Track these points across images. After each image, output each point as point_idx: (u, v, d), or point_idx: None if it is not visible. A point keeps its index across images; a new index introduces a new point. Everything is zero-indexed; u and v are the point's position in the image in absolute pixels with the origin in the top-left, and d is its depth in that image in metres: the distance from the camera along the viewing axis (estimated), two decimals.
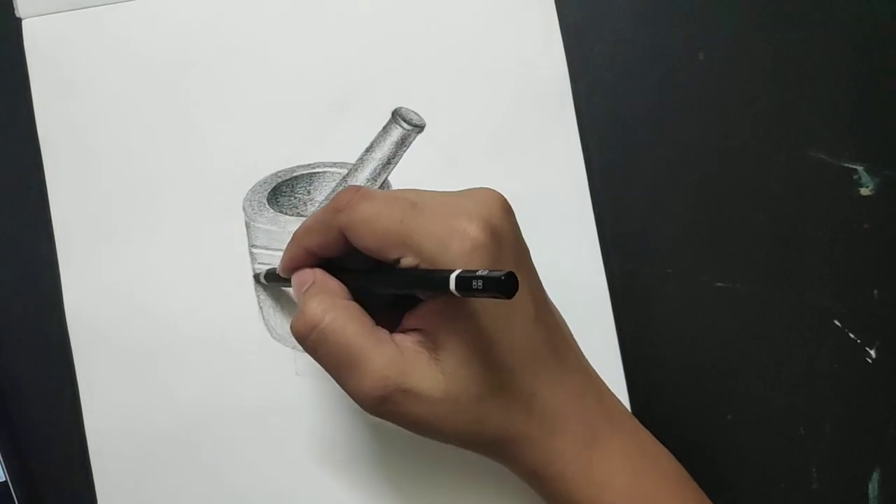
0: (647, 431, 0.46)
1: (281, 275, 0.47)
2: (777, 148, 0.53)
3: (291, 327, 0.43)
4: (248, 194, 0.52)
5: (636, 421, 0.46)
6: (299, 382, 0.51)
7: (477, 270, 0.36)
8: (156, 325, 0.51)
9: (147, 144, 0.52)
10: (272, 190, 0.52)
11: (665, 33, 0.54)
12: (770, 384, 0.52)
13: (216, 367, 0.51)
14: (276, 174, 0.52)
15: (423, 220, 0.40)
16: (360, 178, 0.51)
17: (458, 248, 0.39)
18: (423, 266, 0.40)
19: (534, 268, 0.44)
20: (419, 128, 0.52)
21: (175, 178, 0.52)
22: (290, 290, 0.51)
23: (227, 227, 0.52)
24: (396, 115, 0.51)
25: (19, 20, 0.52)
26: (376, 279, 0.42)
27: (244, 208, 0.52)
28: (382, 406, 0.41)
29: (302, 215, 0.52)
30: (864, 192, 0.52)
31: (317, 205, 0.52)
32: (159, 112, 0.53)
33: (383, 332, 0.42)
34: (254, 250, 0.51)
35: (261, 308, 0.51)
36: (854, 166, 0.52)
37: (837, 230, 0.52)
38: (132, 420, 0.51)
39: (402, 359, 0.41)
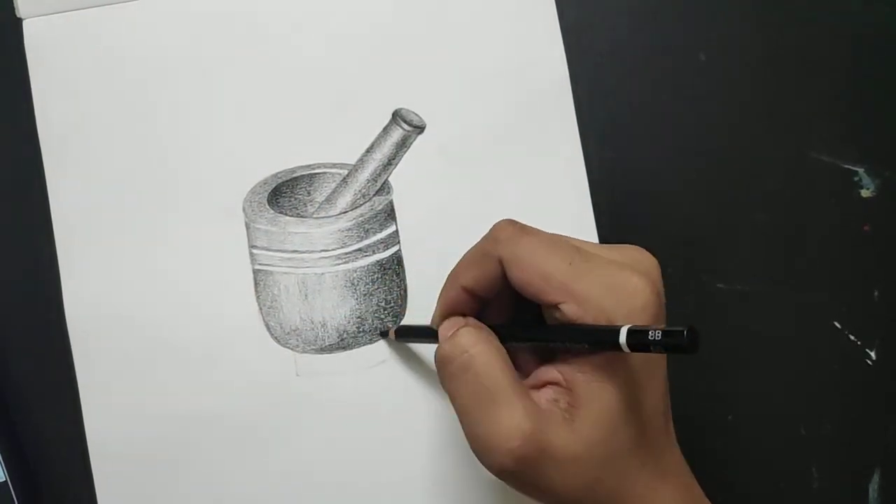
0: None
1: (434, 326, 0.45)
2: (777, 149, 0.53)
3: (438, 351, 0.41)
4: (248, 195, 0.52)
5: None
6: (299, 383, 0.51)
7: (649, 326, 0.35)
8: (156, 326, 0.51)
9: (147, 145, 0.52)
10: (272, 191, 0.52)
11: (665, 33, 0.54)
12: (770, 385, 0.52)
13: (216, 367, 0.51)
14: (276, 175, 0.52)
15: (592, 267, 0.39)
16: (361, 179, 0.51)
17: (628, 303, 0.38)
18: (586, 315, 0.38)
19: None
20: (419, 129, 0.52)
21: (175, 179, 0.52)
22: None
23: (227, 227, 0.52)
24: (397, 116, 0.51)
25: (20, 20, 0.52)
26: (535, 335, 0.41)
27: (244, 209, 0.52)
28: (512, 463, 0.39)
29: (302, 216, 0.52)
30: (865, 193, 0.53)
31: (317, 205, 0.52)
32: (159, 112, 0.52)
33: (524, 384, 0.40)
34: (254, 251, 0.51)
35: (261, 309, 0.51)
36: (855, 168, 0.53)
37: (837, 231, 0.52)
38: (132, 420, 0.51)
39: (539, 413, 0.39)
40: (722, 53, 0.53)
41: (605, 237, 0.52)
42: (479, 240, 0.43)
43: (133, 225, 0.52)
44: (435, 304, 0.45)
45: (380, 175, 0.52)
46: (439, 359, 0.41)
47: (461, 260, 0.44)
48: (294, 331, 0.51)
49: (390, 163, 0.52)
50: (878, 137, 0.53)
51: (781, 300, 0.52)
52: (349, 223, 0.51)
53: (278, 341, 0.51)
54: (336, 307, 0.51)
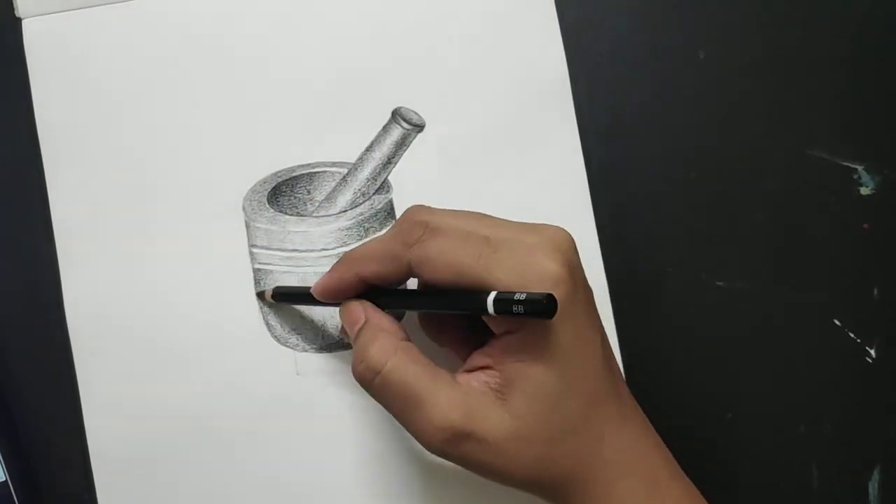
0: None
1: (316, 295, 0.46)
2: (777, 147, 0.53)
3: (354, 373, 0.43)
4: (247, 194, 0.52)
5: (681, 471, 0.45)
6: (300, 382, 0.51)
7: (515, 293, 0.36)
8: (156, 325, 0.51)
9: (147, 144, 0.52)
10: (272, 190, 0.52)
11: (665, 33, 0.54)
12: (770, 383, 0.52)
13: (216, 367, 0.51)
14: (275, 174, 0.52)
15: (501, 257, 0.40)
16: (360, 178, 0.51)
17: (538, 285, 0.39)
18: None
19: (595, 305, 0.43)
20: (419, 127, 0.52)
21: (175, 178, 0.52)
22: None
23: (227, 226, 0.52)
24: (396, 115, 0.51)
25: (19, 20, 0.52)
26: (417, 301, 0.43)
27: (244, 208, 0.52)
28: (447, 448, 0.40)
29: (302, 215, 0.52)
30: (864, 191, 0.53)
31: (316, 204, 0.52)
32: (159, 112, 0.53)
33: (445, 373, 0.42)
34: (253, 250, 0.52)
35: (261, 308, 0.51)
36: (854, 166, 0.53)
37: (837, 230, 0.52)
38: (132, 420, 0.51)
39: (467, 400, 0.40)
40: (722, 53, 0.53)
41: (605, 237, 0.52)
42: (385, 233, 0.44)
43: (133, 224, 0.52)
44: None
45: (379, 174, 0.52)
46: (359, 380, 0.43)
47: (362, 250, 0.45)
48: (294, 330, 0.51)
49: (390, 161, 0.52)
50: (877, 135, 0.53)
51: (781, 299, 0.52)
52: (349, 222, 0.51)
53: (278, 340, 0.51)
54: (336, 306, 0.51)
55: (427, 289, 0.44)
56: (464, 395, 0.40)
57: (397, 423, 0.43)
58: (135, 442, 0.51)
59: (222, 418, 0.51)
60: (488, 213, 0.49)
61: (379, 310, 0.44)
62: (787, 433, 0.51)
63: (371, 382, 0.42)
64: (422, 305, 0.42)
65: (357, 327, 0.44)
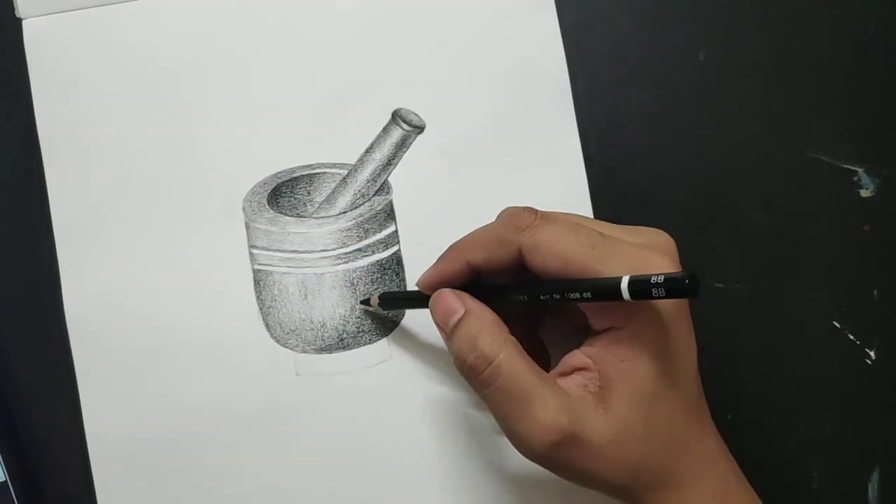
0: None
1: (425, 288, 0.46)
2: (777, 149, 0.53)
3: (462, 361, 0.42)
4: (247, 195, 0.52)
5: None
6: (299, 383, 0.51)
7: (650, 274, 0.35)
8: (155, 326, 0.51)
9: (147, 145, 0.52)
10: (272, 191, 0.52)
11: (665, 33, 0.54)
12: (770, 384, 0.52)
13: (216, 368, 0.51)
14: (276, 175, 0.52)
15: (614, 249, 0.39)
16: (361, 179, 0.51)
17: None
18: None
19: None
20: (419, 129, 0.52)
21: (175, 179, 0.52)
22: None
23: (227, 227, 0.52)
24: (396, 116, 0.51)
25: (19, 20, 0.52)
26: (535, 290, 0.41)
27: (244, 209, 0.52)
28: (552, 451, 0.39)
29: (302, 216, 0.52)
30: (864, 193, 0.53)
31: (316, 205, 0.52)
32: (159, 112, 0.52)
33: (548, 376, 0.41)
34: (254, 251, 0.52)
35: (261, 309, 0.51)
36: (854, 168, 0.53)
37: (837, 231, 0.52)
38: (132, 421, 0.51)
39: (571, 402, 0.40)
40: (722, 53, 0.53)
41: None
42: (492, 222, 0.44)
43: (132, 225, 0.52)
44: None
45: (379, 175, 0.52)
46: (467, 370, 0.42)
47: (470, 237, 0.44)
48: (294, 331, 0.51)
49: (390, 163, 0.52)
50: (877, 137, 0.53)
51: (781, 300, 0.52)
52: (349, 223, 0.51)
53: (278, 341, 0.51)
54: (336, 307, 0.51)
55: (529, 280, 0.43)
56: (569, 398, 0.40)
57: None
58: (134, 442, 0.51)
59: (222, 419, 0.51)
60: (489, 213, 0.49)
61: (481, 303, 0.43)
62: (786, 434, 0.51)
63: (481, 373, 0.41)
64: (545, 290, 0.40)
65: (456, 317, 0.43)
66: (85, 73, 0.53)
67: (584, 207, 0.52)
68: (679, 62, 0.53)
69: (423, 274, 0.46)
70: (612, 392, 0.40)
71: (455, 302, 0.43)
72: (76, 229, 0.52)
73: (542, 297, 0.41)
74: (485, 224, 0.44)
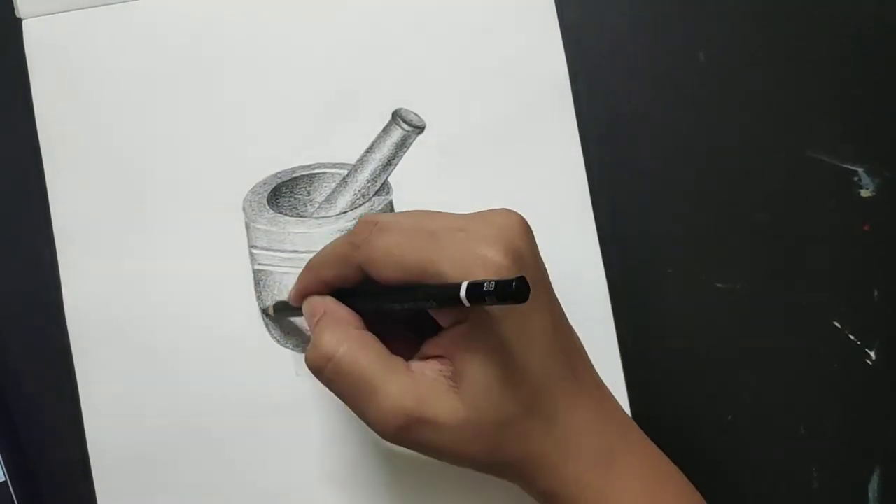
0: (658, 449, 0.46)
1: (291, 303, 0.47)
2: (777, 149, 0.53)
3: (306, 360, 0.42)
4: (248, 195, 0.52)
5: (647, 439, 0.46)
6: (299, 383, 0.51)
7: (485, 280, 0.36)
8: (156, 326, 0.52)
9: (147, 145, 0.52)
10: (272, 191, 0.52)
11: (665, 33, 0.54)
12: (770, 385, 0.52)
13: (216, 367, 0.51)
14: (276, 175, 0.52)
15: (444, 249, 0.40)
16: (361, 179, 0.51)
17: (481, 274, 0.39)
18: None
19: (551, 288, 0.44)
20: (419, 129, 0.52)
21: (175, 179, 0.52)
22: (300, 320, 0.51)
23: (227, 227, 0.52)
24: (396, 116, 0.51)
25: (19, 20, 0.52)
26: (387, 299, 0.42)
27: (244, 209, 0.52)
28: (400, 435, 0.41)
29: (302, 216, 0.52)
30: (865, 193, 0.53)
31: (317, 205, 0.52)
32: (159, 112, 0.53)
33: (398, 361, 0.42)
34: (254, 251, 0.52)
35: (261, 308, 0.52)
36: (854, 167, 0.53)
37: (837, 231, 0.52)
38: (132, 420, 0.51)
39: (418, 387, 0.41)
40: (722, 53, 0.53)
41: (605, 237, 0.52)
42: (339, 237, 0.45)
43: (132, 225, 0.52)
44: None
45: (379, 175, 0.52)
46: (311, 369, 0.43)
47: (320, 257, 0.45)
48: (293, 331, 0.51)
49: (390, 163, 0.52)
50: (877, 137, 0.53)
51: (781, 300, 0.52)
52: (349, 223, 0.51)
53: (277, 341, 0.51)
54: None
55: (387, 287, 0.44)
56: (416, 383, 0.41)
57: (416, 450, 0.42)
58: (134, 442, 0.51)
59: (221, 418, 0.51)
60: None
61: (339, 303, 0.44)
62: (787, 435, 0.51)
63: (323, 369, 0.42)
64: (391, 301, 0.42)
65: (315, 319, 0.44)
66: (85, 73, 0.53)
67: (584, 207, 0.52)
68: (679, 62, 0.53)
69: (290, 289, 0.47)
70: (461, 380, 0.40)
71: (318, 305, 0.44)
72: (76, 230, 0.52)
73: (393, 306, 0.42)
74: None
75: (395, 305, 0.41)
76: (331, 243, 0.45)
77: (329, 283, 0.44)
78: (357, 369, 0.41)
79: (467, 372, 0.40)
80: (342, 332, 0.42)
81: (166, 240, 0.52)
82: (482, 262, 0.39)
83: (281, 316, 0.51)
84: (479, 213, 0.42)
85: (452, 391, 0.41)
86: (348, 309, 0.44)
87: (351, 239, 0.42)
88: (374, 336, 0.43)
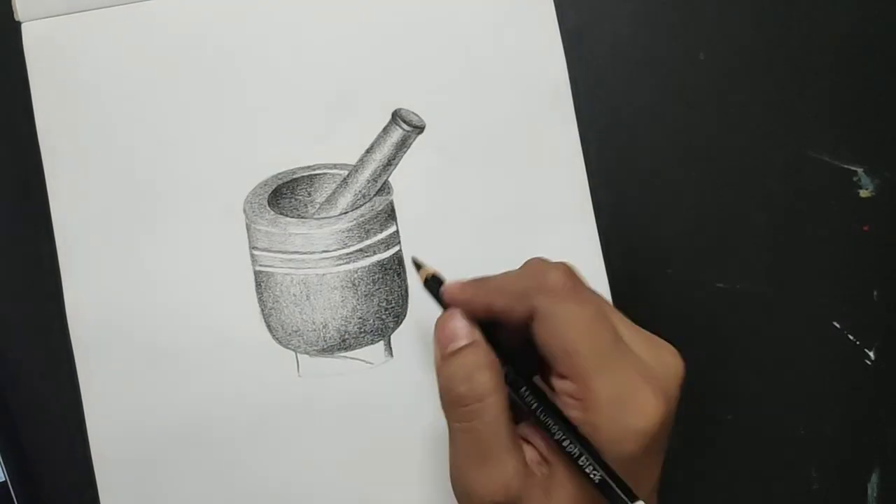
0: None
1: (447, 295, 0.42)
2: (777, 149, 0.53)
3: (452, 389, 0.40)
4: (248, 196, 0.52)
5: None
6: (301, 383, 0.51)
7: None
8: (157, 327, 0.51)
9: (147, 146, 0.52)
10: (273, 192, 0.52)
11: (665, 34, 0.54)
12: (770, 385, 0.52)
13: (218, 368, 0.51)
14: (276, 176, 0.52)
15: (615, 366, 0.38)
16: (361, 180, 0.51)
17: (631, 422, 0.37)
18: (585, 404, 0.37)
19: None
20: (419, 129, 0.52)
21: (175, 180, 0.52)
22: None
23: (228, 228, 0.52)
24: (396, 117, 0.51)
25: (19, 23, 0.52)
26: (546, 412, 0.39)
27: (245, 210, 0.52)
28: None
29: (303, 217, 0.52)
30: (864, 193, 0.53)
31: (317, 206, 0.52)
32: (159, 114, 0.52)
33: (517, 436, 0.40)
34: (254, 252, 0.52)
35: (262, 310, 0.52)
36: (854, 168, 0.53)
37: (837, 231, 0.52)
38: (134, 420, 0.51)
39: (524, 474, 0.38)
40: (722, 53, 0.53)
41: (605, 237, 0.52)
42: (523, 267, 0.41)
43: (133, 226, 0.52)
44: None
45: (380, 175, 0.52)
46: (452, 397, 0.40)
47: (497, 281, 0.42)
48: (296, 332, 0.51)
49: (390, 163, 0.52)
50: (877, 137, 0.53)
51: (781, 300, 0.52)
52: (350, 224, 0.51)
53: (280, 342, 0.51)
54: (337, 308, 0.51)
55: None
56: (524, 468, 0.39)
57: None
58: (136, 442, 0.51)
59: (224, 419, 0.51)
60: (489, 213, 0.49)
61: (489, 345, 0.41)
62: (786, 435, 0.52)
63: (465, 406, 0.39)
64: (552, 422, 0.39)
65: (460, 343, 0.40)
66: (84, 76, 0.52)
67: (585, 207, 0.52)
68: (679, 62, 0.54)
69: (457, 284, 0.42)
70: (554, 488, 0.39)
71: (464, 328, 0.41)
72: (76, 231, 0.52)
73: (541, 419, 0.39)
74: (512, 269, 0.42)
75: (541, 417, 0.39)
76: (510, 273, 0.41)
77: (492, 312, 0.41)
78: (495, 425, 0.39)
79: (565, 486, 0.38)
80: (498, 380, 0.39)
81: (167, 241, 0.52)
82: (641, 408, 0.37)
83: (428, 287, 0.45)
84: (652, 337, 0.40)
85: (544, 492, 0.38)
86: (495, 356, 0.40)
87: (543, 282, 0.39)
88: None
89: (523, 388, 0.40)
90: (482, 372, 0.39)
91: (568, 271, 0.40)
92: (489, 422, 0.39)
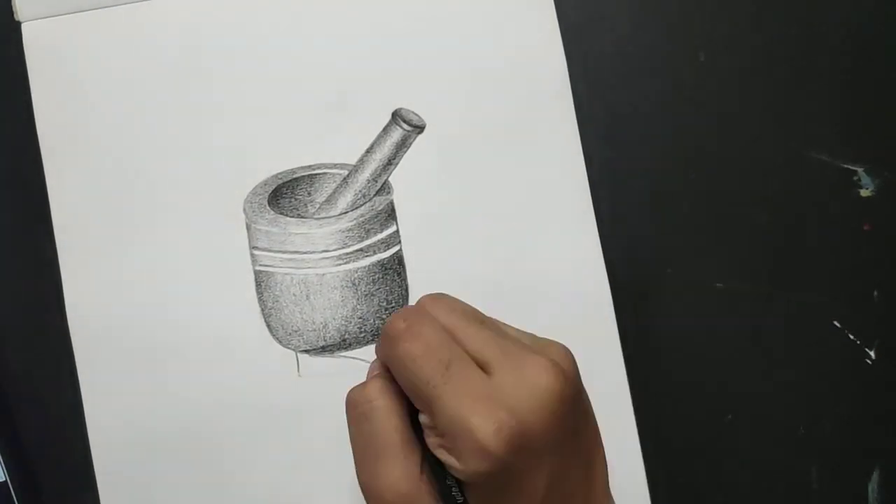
0: None
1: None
2: (777, 148, 0.53)
3: (348, 393, 0.42)
4: (248, 196, 0.52)
5: None
6: (301, 383, 0.51)
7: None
8: (157, 326, 0.51)
9: (147, 146, 0.52)
10: (273, 192, 0.52)
11: (665, 33, 0.54)
12: (770, 385, 0.52)
13: (218, 368, 0.51)
14: (276, 176, 0.52)
15: (448, 399, 0.38)
16: (361, 179, 0.51)
17: (468, 453, 0.38)
18: (440, 436, 0.39)
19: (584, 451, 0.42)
20: (419, 128, 0.52)
21: (175, 180, 0.52)
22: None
23: (228, 228, 0.52)
24: (396, 116, 0.51)
25: (19, 23, 0.52)
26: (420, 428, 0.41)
27: (245, 210, 0.52)
28: None
29: (303, 217, 0.52)
30: (865, 193, 0.53)
31: (317, 206, 0.52)
32: (159, 114, 0.52)
33: (418, 449, 0.40)
34: (254, 252, 0.52)
35: (262, 310, 0.52)
36: (854, 167, 0.53)
37: (837, 231, 0.52)
38: (134, 420, 0.51)
39: (420, 479, 0.40)
40: (722, 53, 0.53)
41: (605, 237, 0.52)
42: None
43: (133, 226, 0.52)
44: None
45: (380, 175, 0.52)
46: (348, 400, 0.42)
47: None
48: (296, 331, 0.51)
49: (390, 163, 0.52)
50: (877, 137, 0.53)
51: (781, 300, 0.52)
52: (350, 223, 0.51)
53: (280, 342, 0.51)
54: (338, 307, 0.52)
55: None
56: (420, 475, 0.40)
57: None
58: (136, 442, 0.51)
59: (224, 419, 0.51)
60: (489, 213, 0.49)
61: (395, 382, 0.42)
62: (786, 435, 0.52)
63: (356, 407, 0.42)
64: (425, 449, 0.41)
65: (374, 373, 0.43)
66: (84, 76, 0.52)
67: (585, 207, 0.52)
68: (679, 62, 0.54)
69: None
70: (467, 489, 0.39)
71: (379, 365, 0.43)
72: (76, 231, 0.52)
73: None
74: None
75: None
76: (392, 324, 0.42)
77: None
78: (384, 427, 0.40)
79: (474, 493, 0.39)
80: (391, 390, 0.41)
81: (167, 241, 0.52)
82: (473, 437, 0.37)
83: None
84: (521, 349, 0.40)
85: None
86: (403, 394, 0.42)
87: (384, 330, 0.41)
88: (411, 413, 0.41)
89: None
90: (378, 381, 0.42)
91: (408, 311, 0.41)
92: (378, 425, 0.41)
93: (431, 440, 0.39)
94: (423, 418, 0.40)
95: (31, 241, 0.52)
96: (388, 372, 0.42)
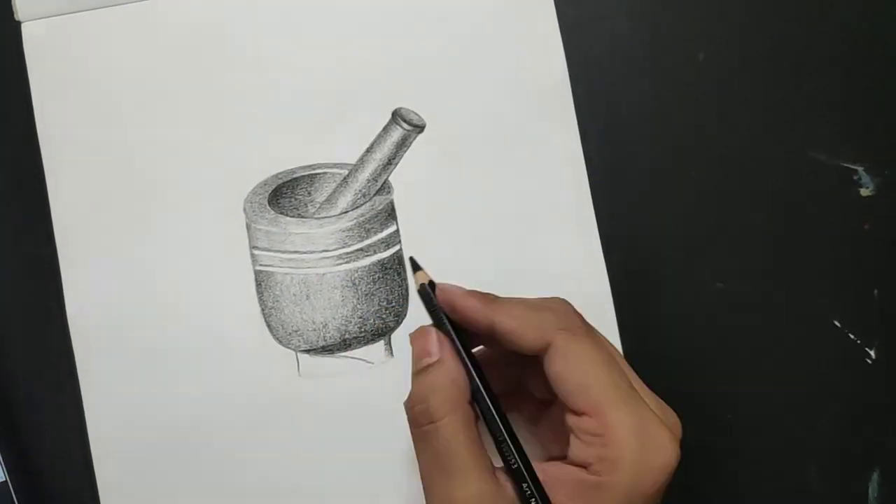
0: None
1: (440, 298, 0.42)
2: (777, 148, 0.53)
3: (409, 408, 0.41)
4: (248, 196, 0.52)
5: None
6: (301, 383, 0.51)
7: None
8: (157, 326, 0.52)
9: (147, 146, 0.52)
10: (273, 191, 0.52)
11: (664, 33, 0.54)
12: (770, 384, 0.52)
13: (218, 367, 0.51)
14: (276, 175, 0.52)
15: (632, 403, 0.38)
16: (361, 179, 0.51)
17: (652, 455, 0.37)
18: (606, 439, 0.37)
19: None
20: (419, 128, 0.52)
21: (175, 180, 0.52)
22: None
23: (228, 228, 0.52)
24: (396, 116, 0.51)
25: (19, 23, 0.52)
26: (502, 429, 0.40)
27: (245, 210, 0.52)
28: None
29: (303, 216, 0.52)
30: (865, 192, 0.53)
31: (317, 206, 0.52)
32: (159, 114, 0.52)
33: (488, 461, 0.39)
34: (255, 252, 0.52)
35: (263, 310, 0.52)
36: (854, 167, 0.53)
37: (837, 230, 0.52)
38: (134, 420, 0.51)
39: (492, 495, 0.38)
40: (722, 53, 0.53)
41: (605, 237, 0.52)
42: (540, 301, 0.41)
43: (133, 226, 0.52)
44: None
45: (380, 175, 0.52)
46: (411, 418, 0.41)
47: (514, 304, 0.41)
48: (296, 331, 0.51)
49: (390, 162, 0.52)
50: (877, 136, 0.53)
51: (781, 299, 0.52)
52: (350, 223, 0.51)
53: (280, 342, 0.51)
54: (338, 307, 0.51)
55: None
56: (492, 489, 0.38)
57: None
58: (136, 442, 0.51)
59: (224, 419, 0.51)
60: (489, 212, 0.49)
61: (456, 355, 0.41)
62: (786, 434, 0.52)
63: (420, 426, 0.40)
64: (509, 442, 0.40)
65: (427, 362, 0.41)
66: (84, 76, 0.53)
67: (585, 207, 0.52)
68: (679, 62, 0.53)
69: (458, 291, 0.42)
70: None
71: (434, 345, 0.41)
72: (76, 231, 0.52)
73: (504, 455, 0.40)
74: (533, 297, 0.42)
75: (504, 447, 0.40)
76: (529, 301, 0.41)
77: (498, 333, 0.40)
78: (452, 446, 0.39)
79: None
80: (455, 401, 0.40)
81: (167, 241, 0.52)
82: (661, 445, 0.38)
83: (422, 295, 0.44)
84: (650, 393, 0.41)
85: None
86: (462, 371, 0.40)
87: (560, 318, 0.40)
88: (474, 416, 0.40)
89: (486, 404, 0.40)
90: (437, 394, 0.40)
91: (584, 320, 0.41)
92: (445, 444, 0.39)
93: (593, 451, 0.38)
94: (580, 423, 0.38)
95: (31, 241, 0.52)
96: (453, 362, 0.40)
